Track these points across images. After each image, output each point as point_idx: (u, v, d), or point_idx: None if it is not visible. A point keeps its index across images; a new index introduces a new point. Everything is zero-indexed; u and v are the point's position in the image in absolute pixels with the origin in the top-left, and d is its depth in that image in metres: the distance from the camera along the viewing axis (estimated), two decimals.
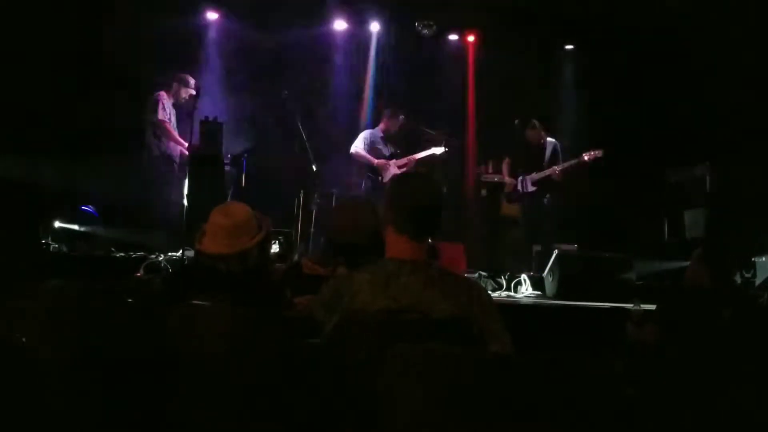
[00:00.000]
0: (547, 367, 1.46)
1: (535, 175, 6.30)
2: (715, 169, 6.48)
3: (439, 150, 6.29)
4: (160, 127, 5.95)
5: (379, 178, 6.27)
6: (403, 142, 6.54)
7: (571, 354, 1.47)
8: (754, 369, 2.15)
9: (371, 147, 6.35)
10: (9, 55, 5.73)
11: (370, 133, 6.45)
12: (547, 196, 6.34)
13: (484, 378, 1.45)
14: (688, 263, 3.30)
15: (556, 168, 6.21)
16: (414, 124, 6.50)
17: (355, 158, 6.38)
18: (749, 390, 2.09)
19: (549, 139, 6.43)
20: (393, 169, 6.25)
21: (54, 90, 6.03)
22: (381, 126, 6.46)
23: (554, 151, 6.36)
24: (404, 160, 6.31)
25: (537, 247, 6.29)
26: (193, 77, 6.24)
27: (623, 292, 4.75)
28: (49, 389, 1.83)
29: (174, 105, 6.12)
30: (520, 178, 6.41)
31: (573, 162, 6.16)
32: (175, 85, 6.09)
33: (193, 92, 5.99)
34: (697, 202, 6.48)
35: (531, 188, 6.34)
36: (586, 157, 6.08)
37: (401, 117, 6.39)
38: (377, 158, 6.30)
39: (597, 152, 6.06)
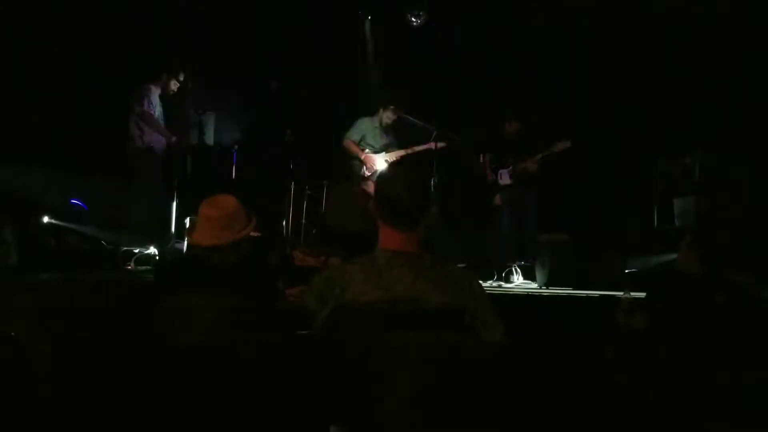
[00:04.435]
0: (538, 355, 1.47)
1: (511, 168, 6.33)
2: (704, 157, 6.50)
3: (435, 145, 6.18)
4: (144, 118, 5.79)
5: (364, 170, 6.23)
6: (398, 134, 6.45)
7: (561, 342, 1.48)
8: (745, 355, 2.16)
9: (363, 138, 6.30)
10: None
11: (364, 124, 6.36)
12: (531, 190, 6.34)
13: (477, 366, 1.46)
14: (678, 252, 3.32)
15: (528, 160, 6.22)
16: (410, 117, 6.35)
17: (344, 147, 6.32)
18: (739, 377, 2.11)
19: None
20: (380, 162, 6.23)
21: (33, 94, 5.91)
22: (377, 116, 6.35)
23: (528, 142, 6.35)
24: (400, 153, 6.28)
25: (528, 237, 6.31)
26: (183, 69, 6.16)
27: (613, 281, 4.77)
28: (41, 384, 1.82)
29: (162, 96, 5.96)
30: (500, 171, 6.42)
31: (546, 153, 6.18)
32: (164, 76, 5.96)
33: (182, 84, 5.91)
34: (687, 190, 6.50)
35: (508, 180, 6.37)
36: (556, 149, 6.10)
37: (398, 109, 6.27)
38: (370, 149, 6.27)
39: (565, 143, 6.10)
